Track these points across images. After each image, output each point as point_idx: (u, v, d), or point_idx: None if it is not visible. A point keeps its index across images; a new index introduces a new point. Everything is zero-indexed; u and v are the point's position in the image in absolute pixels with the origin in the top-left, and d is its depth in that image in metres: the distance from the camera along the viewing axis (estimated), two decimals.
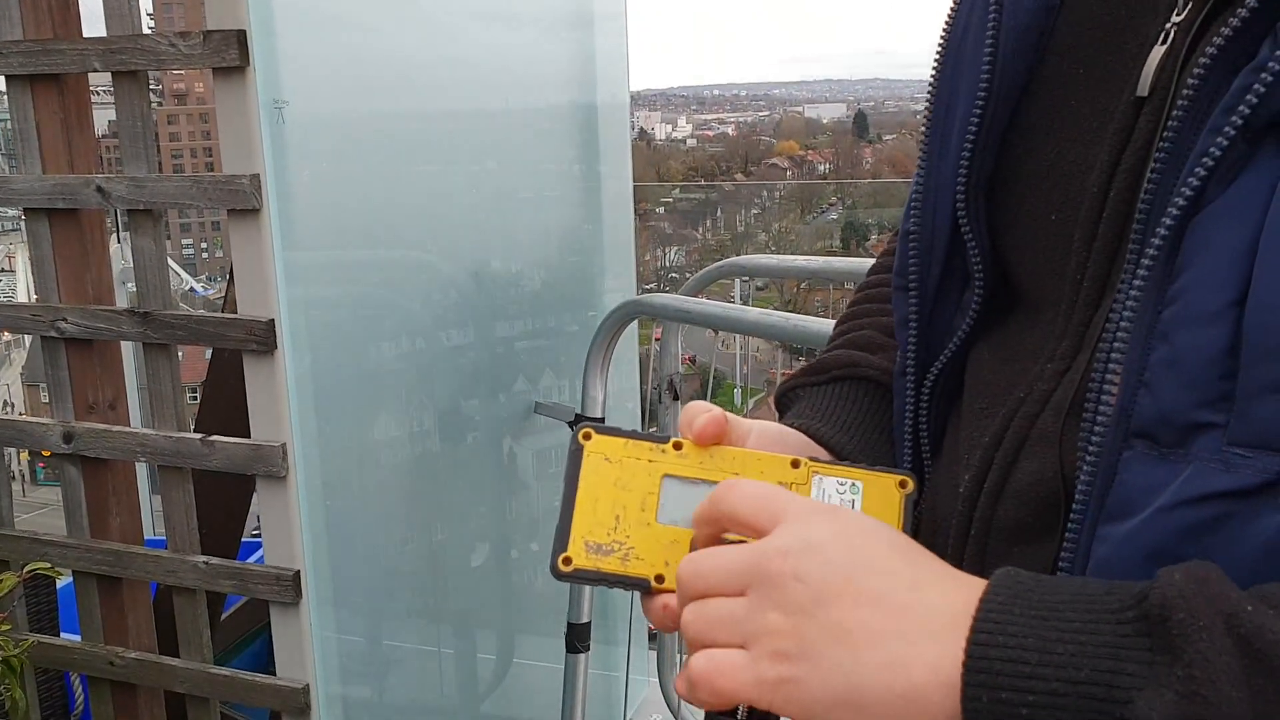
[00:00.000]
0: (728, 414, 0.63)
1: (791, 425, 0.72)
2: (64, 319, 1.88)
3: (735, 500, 0.53)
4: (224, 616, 2.34)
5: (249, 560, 2.06)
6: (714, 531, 0.55)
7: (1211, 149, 0.47)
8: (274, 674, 1.89)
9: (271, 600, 1.84)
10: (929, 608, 0.47)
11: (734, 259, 2.65)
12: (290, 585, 1.80)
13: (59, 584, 2.12)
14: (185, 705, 1.99)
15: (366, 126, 2.01)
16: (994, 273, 0.66)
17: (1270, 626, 0.41)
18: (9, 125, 1.85)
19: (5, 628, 1.92)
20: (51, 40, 1.78)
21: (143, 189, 1.77)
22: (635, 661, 2.71)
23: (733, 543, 0.54)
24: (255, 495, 1.90)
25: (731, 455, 0.62)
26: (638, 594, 0.60)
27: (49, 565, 1.95)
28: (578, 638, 2.30)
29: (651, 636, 2.74)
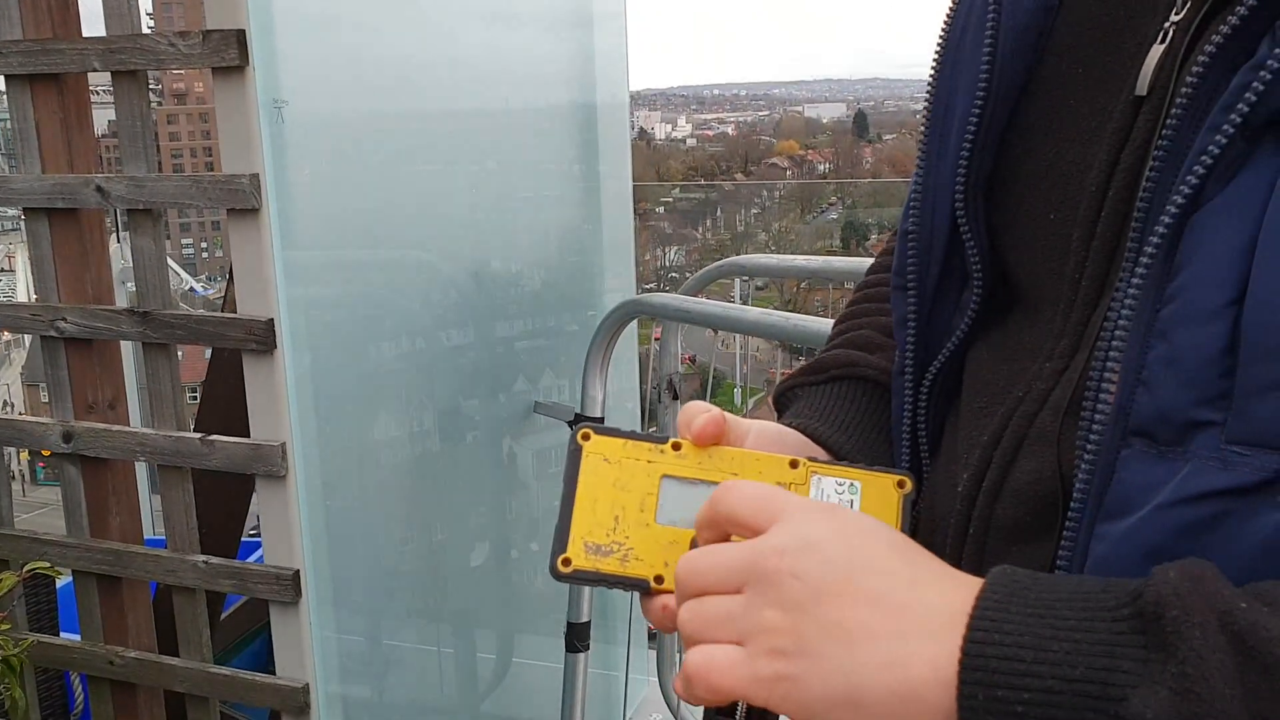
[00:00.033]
0: (726, 414, 0.63)
1: (790, 425, 0.72)
2: (63, 318, 1.88)
3: (733, 501, 0.53)
4: (224, 616, 2.34)
5: (249, 560, 2.06)
6: (715, 535, 0.55)
7: (1210, 147, 0.47)
8: (273, 673, 1.89)
9: (271, 600, 1.84)
10: (927, 607, 0.47)
11: (734, 258, 2.65)
12: (290, 585, 1.80)
13: (59, 583, 2.12)
14: (185, 705, 1.99)
15: (366, 126, 2.01)
16: (992, 272, 0.66)
17: (1264, 623, 0.41)
18: (8, 125, 1.85)
19: (5, 627, 1.92)
20: (51, 40, 1.79)
21: (142, 189, 1.77)
22: (635, 661, 2.71)
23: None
24: (255, 495, 1.90)
25: (730, 455, 0.62)
26: (637, 594, 0.60)
27: (49, 565, 1.95)
28: (577, 637, 2.30)
29: (651, 636, 2.74)
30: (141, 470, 2.77)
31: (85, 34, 1.80)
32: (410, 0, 2.09)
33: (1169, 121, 0.51)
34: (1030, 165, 0.62)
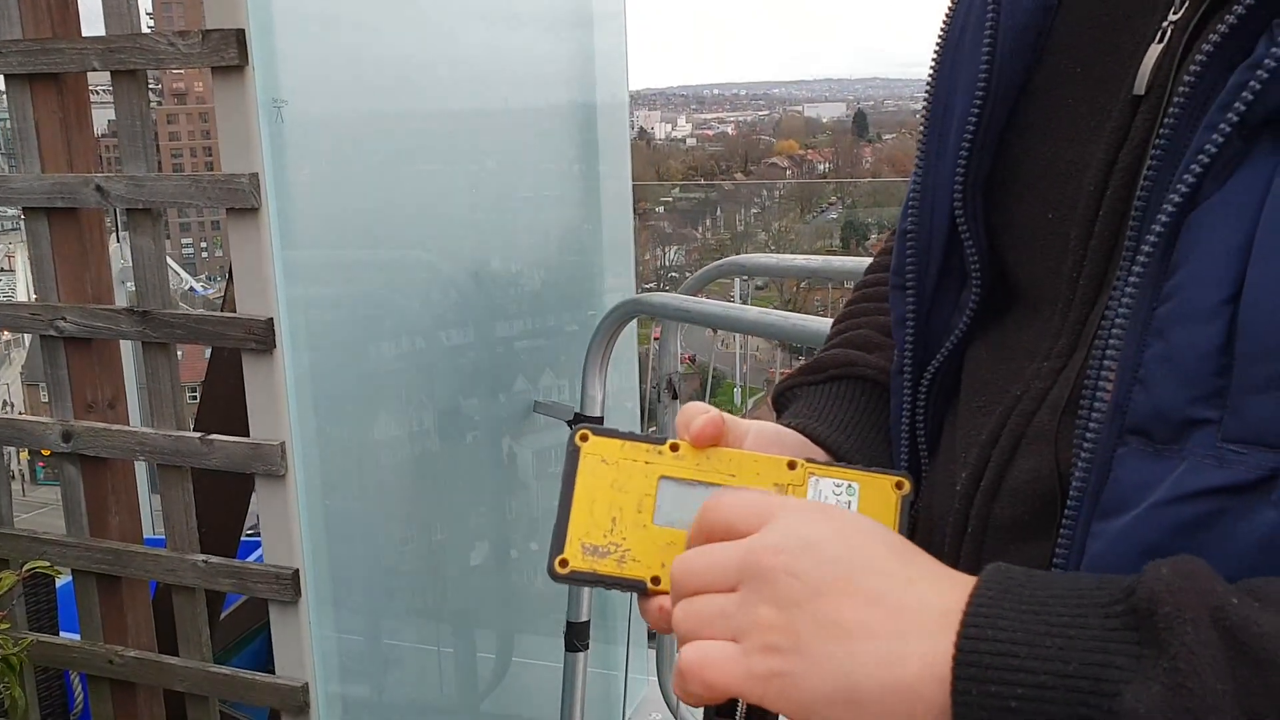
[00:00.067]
0: (725, 415, 0.63)
1: (788, 425, 0.72)
2: (63, 318, 1.88)
3: (725, 508, 0.54)
4: (223, 615, 2.34)
5: (248, 559, 2.06)
6: (706, 545, 0.56)
7: (1207, 146, 0.47)
8: (273, 673, 1.89)
9: (271, 599, 1.84)
10: (923, 605, 0.47)
11: (733, 258, 2.65)
12: (289, 584, 1.80)
13: (58, 583, 2.12)
14: (185, 704, 1.99)
15: (366, 125, 2.01)
16: (991, 271, 0.66)
17: (1255, 619, 0.41)
18: (8, 124, 1.85)
19: (4, 626, 1.92)
20: (50, 39, 1.79)
21: (142, 188, 1.77)
22: (634, 660, 2.72)
23: None
24: (254, 494, 1.90)
25: (728, 456, 0.62)
26: (636, 598, 0.60)
27: (48, 564, 1.95)
28: (577, 636, 2.30)
29: (651, 636, 2.74)
30: (141, 470, 2.77)
31: (85, 33, 1.80)
32: (410, 0, 2.09)
33: (1166, 120, 0.51)
34: (1029, 164, 0.62)
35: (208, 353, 2.16)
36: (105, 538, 1.98)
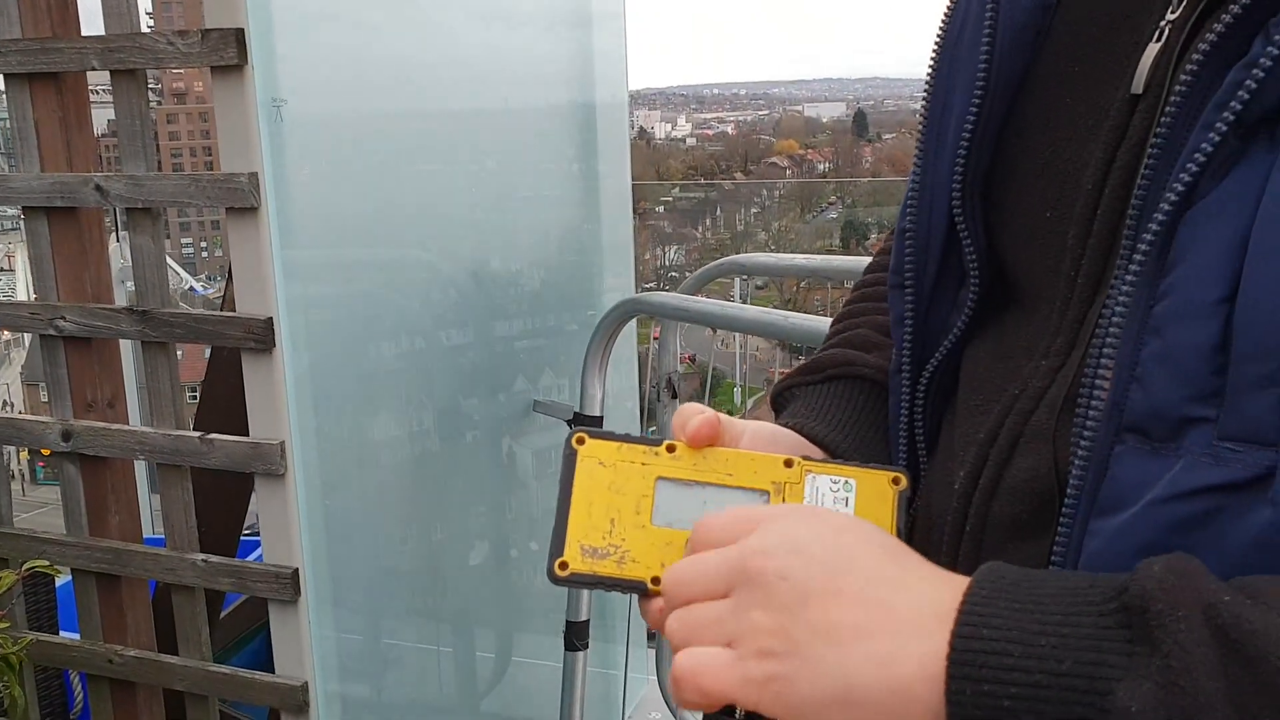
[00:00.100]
0: (721, 415, 0.63)
1: (786, 425, 0.72)
2: (62, 317, 1.88)
3: (712, 526, 0.54)
4: (223, 614, 2.34)
5: (248, 558, 2.06)
6: None
7: (1204, 145, 0.47)
8: (273, 672, 1.90)
9: (270, 598, 1.84)
10: (916, 605, 0.47)
11: (733, 257, 2.64)
12: (289, 583, 1.81)
13: (58, 582, 2.12)
14: (184, 703, 2.00)
15: (365, 125, 2.01)
16: (990, 270, 0.66)
17: (1247, 617, 0.41)
18: (7, 124, 1.85)
19: (4, 625, 1.92)
20: (50, 39, 1.79)
21: (141, 187, 1.77)
22: (634, 660, 2.72)
23: None
24: (254, 494, 1.90)
25: (725, 456, 0.62)
26: (636, 599, 0.60)
27: (48, 563, 1.95)
28: (576, 636, 2.30)
29: (650, 635, 2.74)
30: (141, 470, 2.77)
31: (84, 33, 1.81)
32: (409, 0, 2.09)
33: (1163, 119, 0.51)
34: (1027, 163, 0.62)
35: (207, 352, 2.16)
36: (105, 537, 1.98)
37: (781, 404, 0.80)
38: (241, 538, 2.27)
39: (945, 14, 0.69)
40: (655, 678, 2.68)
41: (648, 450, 0.62)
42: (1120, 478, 0.50)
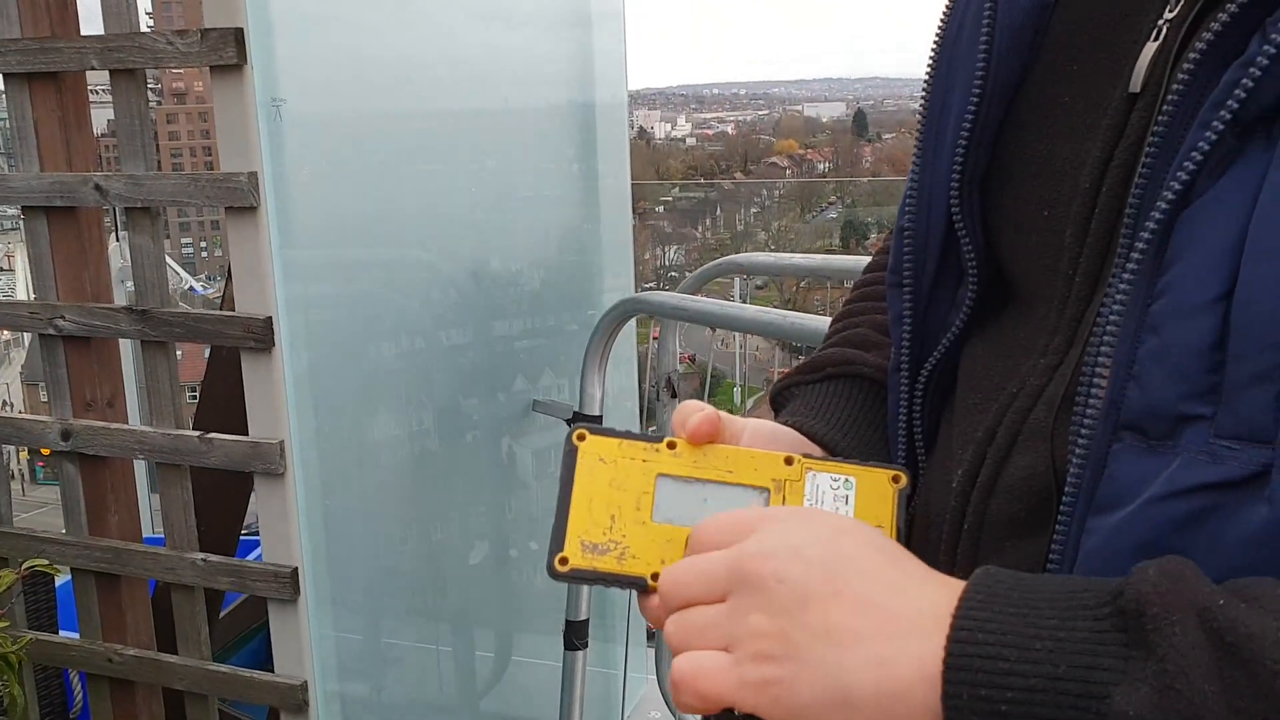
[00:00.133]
0: (721, 413, 0.64)
1: (786, 423, 0.73)
2: (62, 316, 1.88)
3: (710, 528, 0.54)
4: (222, 614, 2.34)
5: (247, 558, 2.06)
6: None
7: (1200, 143, 0.47)
8: (272, 671, 1.90)
9: (270, 597, 1.84)
10: (913, 607, 0.47)
11: (731, 257, 2.64)
12: (288, 582, 1.81)
13: (57, 581, 2.12)
14: (184, 702, 2.00)
15: (364, 125, 2.01)
16: (988, 269, 0.66)
17: (1243, 620, 0.41)
18: (7, 124, 1.85)
19: (4, 625, 1.93)
20: (49, 38, 1.79)
21: (140, 187, 1.77)
22: (633, 659, 2.72)
23: None
24: (253, 493, 1.90)
25: (725, 454, 0.62)
26: (635, 594, 0.60)
27: (47, 562, 1.95)
28: (576, 635, 2.30)
29: (650, 634, 2.75)
30: (140, 471, 2.77)
31: (83, 32, 1.81)
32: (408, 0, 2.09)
33: (1160, 118, 0.51)
34: (1025, 161, 0.62)
35: (207, 352, 2.16)
36: (104, 536, 1.98)
37: (781, 402, 0.80)
38: (241, 537, 2.27)
39: (944, 13, 0.69)
40: (655, 677, 2.68)
41: (648, 447, 0.62)
42: (1117, 475, 0.50)
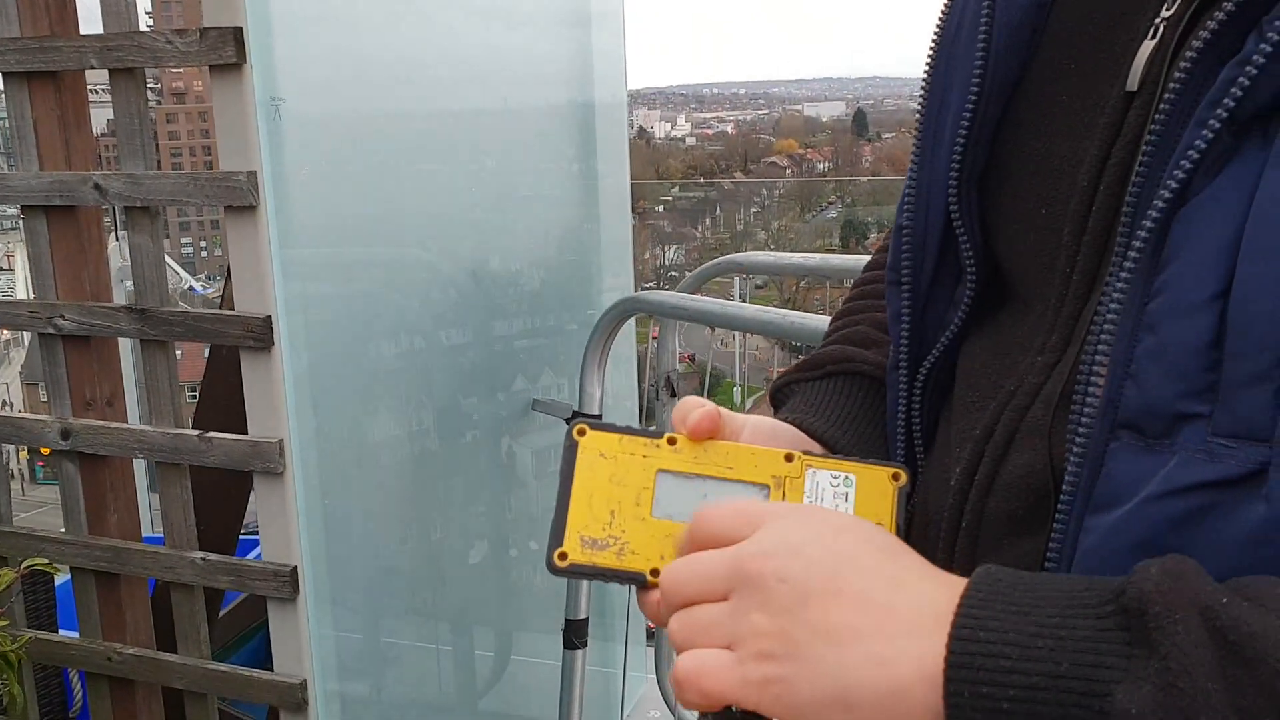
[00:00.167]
0: (721, 409, 0.64)
1: (785, 420, 0.73)
2: (61, 315, 1.88)
3: (713, 519, 0.54)
4: (222, 613, 2.34)
5: (247, 557, 2.06)
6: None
7: (1197, 142, 0.47)
8: (271, 670, 1.90)
9: (269, 596, 1.84)
10: (913, 605, 0.48)
11: (731, 256, 2.64)
12: (288, 581, 1.81)
13: (57, 580, 2.12)
14: (183, 701, 2.00)
15: (364, 124, 2.01)
16: (986, 267, 0.66)
17: (1245, 618, 0.41)
18: (6, 123, 1.85)
19: (3, 624, 1.93)
20: (48, 37, 1.79)
21: (140, 186, 1.77)
22: (633, 658, 2.72)
23: None
24: (253, 492, 1.90)
25: (725, 450, 0.62)
26: (634, 590, 0.60)
27: (47, 561, 1.95)
28: (575, 634, 2.30)
29: (649, 633, 2.75)
30: (140, 471, 2.77)
31: (83, 32, 1.81)
32: None
33: (1157, 116, 0.51)
34: (1023, 160, 0.62)
35: (207, 351, 2.16)
36: (104, 535, 1.98)
37: (780, 399, 0.80)
38: (240, 536, 2.27)
39: (942, 12, 0.69)
40: (654, 676, 2.68)
41: (648, 443, 0.62)
42: (1115, 474, 0.50)
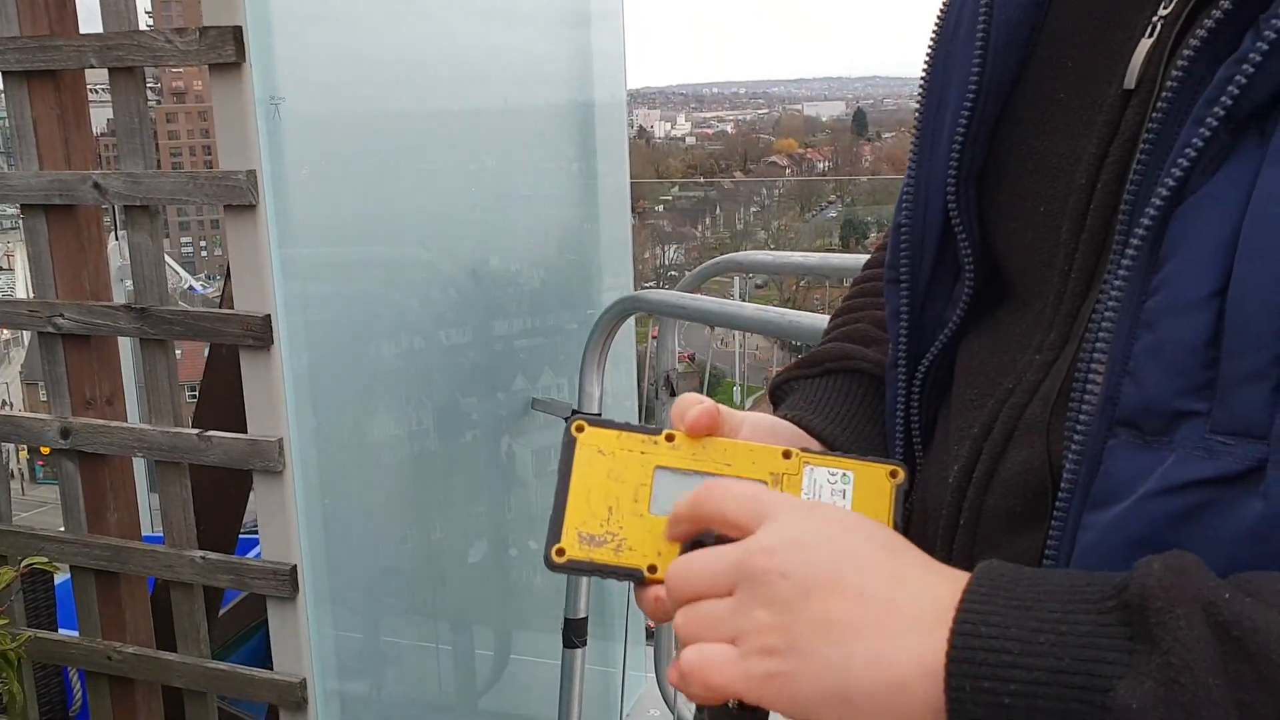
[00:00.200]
0: (720, 406, 0.64)
1: (784, 417, 0.73)
2: (61, 314, 1.88)
3: (720, 499, 0.54)
4: (221, 612, 2.34)
5: (246, 555, 2.06)
6: (693, 529, 0.56)
7: (1195, 140, 0.48)
8: (271, 669, 1.90)
9: (269, 595, 1.84)
10: (914, 601, 0.48)
11: (730, 255, 2.65)
12: (287, 580, 1.81)
13: (57, 579, 2.12)
14: (183, 700, 2.00)
15: (363, 123, 2.01)
16: (984, 265, 0.66)
17: (1247, 614, 0.41)
18: (6, 122, 1.85)
19: (3, 622, 1.93)
20: (48, 36, 1.79)
21: (139, 185, 1.77)
22: (632, 657, 2.72)
23: (710, 543, 0.55)
24: (252, 491, 1.90)
25: (723, 446, 0.62)
26: (633, 588, 0.60)
27: (46, 560, 1.95)
28: (575, 633, 2.31)
29: (649, 633, 2.75)
30: (140, 471, 2.77)
31: (82, 31, 1.81)
32: None
33: (1155, 115, 0.51)
34: (1021, 158, 0.63)
35: (206, 351, 2.16)
36: (103, 534, 1.98)
37: (779, 397, 0.80)
38: (240, 535, 2.27)
39: (941, 11, 0.69)
40: (654, 675, 2.68)
41: (647, 439, 0.62)
42: (1113, 471, 0.50)
